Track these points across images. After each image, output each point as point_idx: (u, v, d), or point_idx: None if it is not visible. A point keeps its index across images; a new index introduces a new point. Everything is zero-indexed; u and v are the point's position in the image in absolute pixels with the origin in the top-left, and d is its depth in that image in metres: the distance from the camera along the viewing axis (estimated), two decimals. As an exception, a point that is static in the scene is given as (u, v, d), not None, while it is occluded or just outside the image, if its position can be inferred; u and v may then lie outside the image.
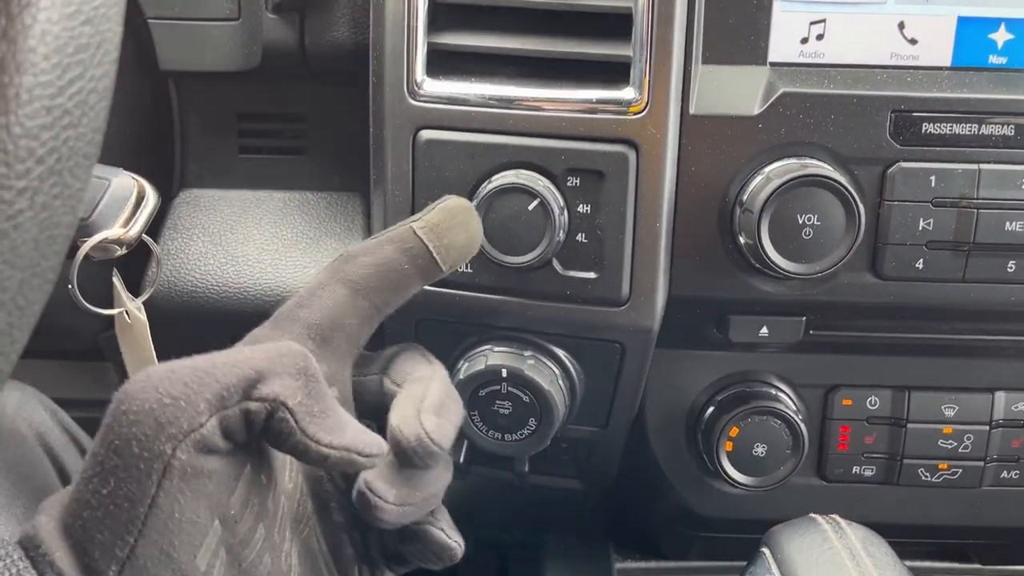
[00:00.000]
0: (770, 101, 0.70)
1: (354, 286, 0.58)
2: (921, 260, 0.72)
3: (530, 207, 0.69)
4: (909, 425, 0.82)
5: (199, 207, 0.89)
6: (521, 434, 0.77)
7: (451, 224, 0.61)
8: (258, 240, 0.87)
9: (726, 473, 0.80)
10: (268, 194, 0.90)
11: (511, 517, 1.10)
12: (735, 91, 0.70)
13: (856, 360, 0.82)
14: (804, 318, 0.76)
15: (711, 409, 0.81)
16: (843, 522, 0.62)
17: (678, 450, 0.85)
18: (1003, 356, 0.81)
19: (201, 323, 0.85)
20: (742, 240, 0.71)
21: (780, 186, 0.68)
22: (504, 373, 0.74)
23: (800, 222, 0.69)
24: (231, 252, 0.86)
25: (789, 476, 0.80)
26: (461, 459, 0.91)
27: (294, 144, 0.91)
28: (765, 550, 0.62)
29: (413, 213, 0.73)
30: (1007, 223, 0.70)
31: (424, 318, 0.78)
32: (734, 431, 0.79)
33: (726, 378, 0.83)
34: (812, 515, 0.63)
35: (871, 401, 0.82)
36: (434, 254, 0.60)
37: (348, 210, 0.90)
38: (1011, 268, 0.72)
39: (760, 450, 0.80)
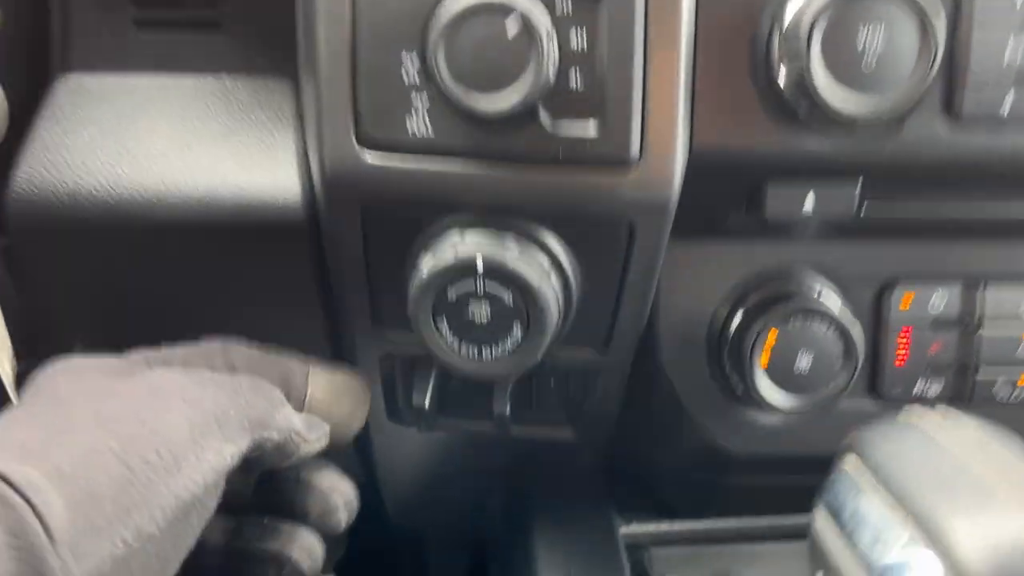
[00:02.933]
0: None
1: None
2: (1011, 95, 0.56)
3: (508, 31, 0.52)
4: (985, 328, 0.66)
5: (87, 95, 0.71)
6: (504, 348, 0.59)
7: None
8: (163, 132, 0.69)
9: (761, 394, 0.63)
10: (176, 79, 0.72)
11: (491, 481, 0.92)
12: None
13: (918, 248, 0.66)
14: (859, 184, 0.60)
15: (740, 315, 0.65)
16: (955, 412, 0.46)
17: (698, 372, 0.68)
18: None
19: (87, 234, 0.67)
20: (783, 74, 0.54)
21: (834, -4, 0.52)
22: (479, 265, 0.57)
23: (860, 48, 0.53)
24: (127, 145, 0.68)
25: (840, 394, 0.63)
26: (426, 403, 0.73)
27: (207, 16, 0.73)
28: (850, 458, 0.45)
29: (354, 76, 0.56)
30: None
31: (370, 203, 0.60)
32: (771, 339, 0.63)
33: (757, 277, 0.66)
34: (909, 408, 0.47)
35: (937, 299, 0.66)
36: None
37: (275, 96, 0.72)
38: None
39: (804, 362, 0.63)
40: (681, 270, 0.66)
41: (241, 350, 0.59)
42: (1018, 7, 0.56)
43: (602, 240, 0.60)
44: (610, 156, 0.56)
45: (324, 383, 0.61)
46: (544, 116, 0.55)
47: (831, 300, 0.64)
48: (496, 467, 0.91)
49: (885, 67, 0.53)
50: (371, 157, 0.58)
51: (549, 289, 0.58)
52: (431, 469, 0.95)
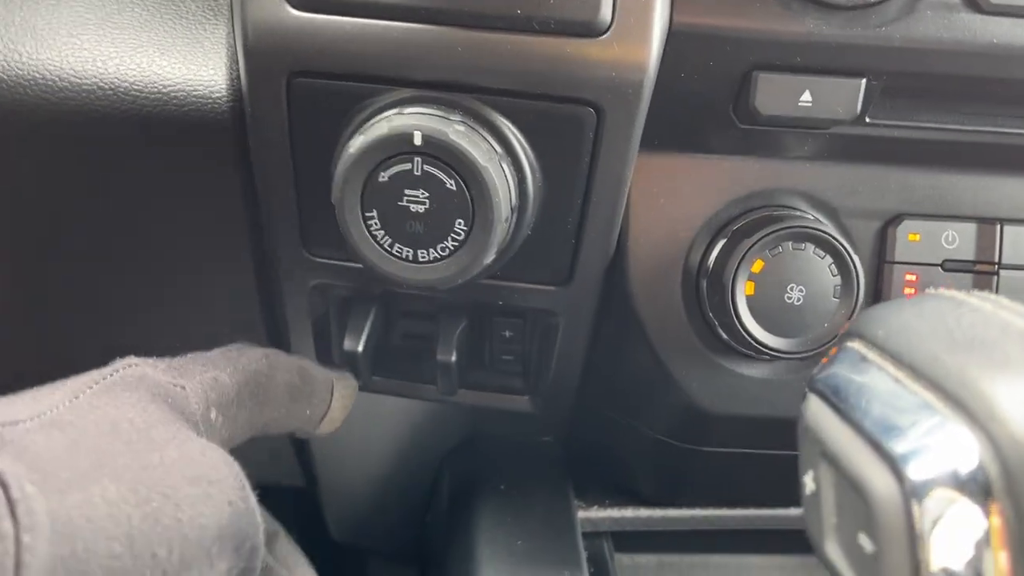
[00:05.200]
0: None
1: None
2: (1039, -20, 0.49)
3: None
4: (1003, 272, 0.57)
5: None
6: (443, 248, 0.50)
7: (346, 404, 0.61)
8: (77, 12, 0.61)
9: (745, 331, 0.54)
10: (100, -33, 0.64)
11: (435, 459, 0.81)
12: None
13: (928, 178, 0.58)
14: (864, 81, 0.52)
15: (723, 241, 0.56)
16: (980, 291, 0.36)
17: (673, 313, 0.59)
18: None
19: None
20: (781, -69, 0.47)
21: None
22: (417, 139, 0.48)
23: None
24: (32, 23, 0.60)
25: (838, 335, 0.54)
26: (359, 347, 0.64)
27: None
28: (852, 341, 0.36)
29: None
30: None
31: (299, 70, 0.52)
32: (758, 265, 0.54)
33: (742, 201, 0.58)
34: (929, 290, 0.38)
35: (948, 237, 0.58)
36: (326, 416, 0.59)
37: (211, -12, 0.64)
38: None
39: (795, 295, 0.54)
40: (656, 190, 0.57)
41: (283, 370, 0.54)
42: None
43: (564, 129, 0.51)
44: (576, 21, 0.48)
45: (342, 397, 0.60)
46: (501, -33, 0.47)
47: (827, 225, 0.56)
48: (441, 450, 0.80)
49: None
50: (299, 16, 0.50)
51: (499, 174, 0.49)
52: (371, 461, 0.85)
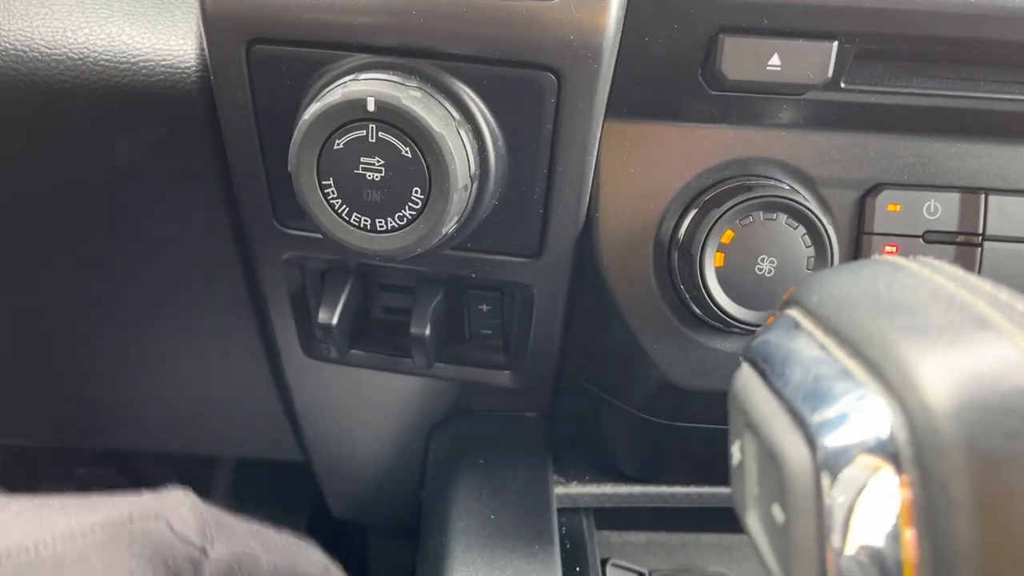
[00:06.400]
0: None
1: None
2: (1019, -65, 0.47)
3: None
4: (987, 244, 0.55)
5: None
6: (401, 217, 0.50)
7: None
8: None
9: (714, 303, 0.53)
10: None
11: (422, 433, 0.81)
12: None
13: (909, 146, 0.55)
14: (835, 43, 0.50)
15: (694, 212, 0.54)
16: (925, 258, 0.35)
17: (645, 285, 0.57)
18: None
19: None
20: None
21: None
22: (370, 105, 0.47)
23: None
24: (5, -7, 0.60)
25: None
26: (334, 320, 0.63)
27: None
28: (790, 309, 0.35)
29: None
30: None
31: (257, 37, 0.51)
32: (727, 236, 0.52)
33: (715, 170, 0.56)
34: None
35: (930, 207, 0.56)
36: None
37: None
38: None
39: (766, 266, 0.52)
40: (626, 159, 0.56)
41: None
42: None
43: (525, 96, 0.50)
44: (532, -19, 0.47)
45: None
46: (454, -73, 0.46)
47: (801, 194, 0.54)
48: (428, 425, 0.80)
49: None
50: (257, -19, 0.49)
51: (456, 141, 0.48)
52: (360, 436, 0.85)
